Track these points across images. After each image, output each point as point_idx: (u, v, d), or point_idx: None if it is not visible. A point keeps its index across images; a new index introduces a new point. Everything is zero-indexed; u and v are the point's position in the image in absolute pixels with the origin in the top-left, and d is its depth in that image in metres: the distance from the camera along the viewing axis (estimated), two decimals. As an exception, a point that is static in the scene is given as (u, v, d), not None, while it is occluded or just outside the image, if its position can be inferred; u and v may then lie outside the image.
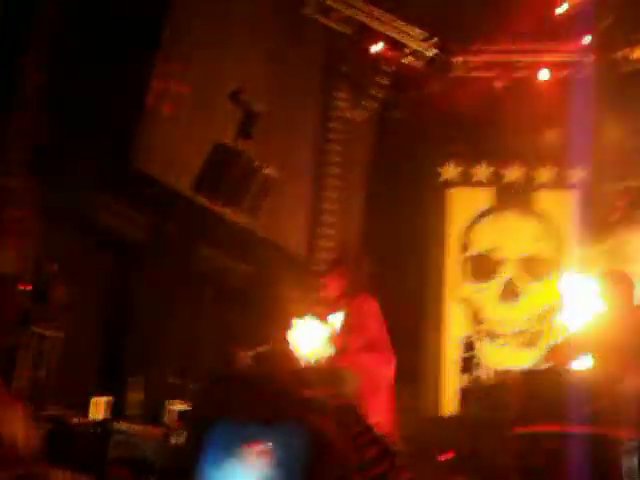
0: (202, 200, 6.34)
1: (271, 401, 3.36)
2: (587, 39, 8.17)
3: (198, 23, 7.12)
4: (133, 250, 6.70)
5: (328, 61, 8.65)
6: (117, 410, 5.40)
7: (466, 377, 7.35)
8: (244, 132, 6.53)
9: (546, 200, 8.99)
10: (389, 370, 4.54)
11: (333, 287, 4.64)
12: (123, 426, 4.97)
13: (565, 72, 8.51)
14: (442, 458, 7.15)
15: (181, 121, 6.86)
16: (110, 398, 5.39)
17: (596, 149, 8.14)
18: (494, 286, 8.89)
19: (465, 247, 9.12)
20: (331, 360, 4.35)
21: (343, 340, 4.28)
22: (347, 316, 4.39)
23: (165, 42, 6.75)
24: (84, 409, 5.25)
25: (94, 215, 6.20)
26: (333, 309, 4.52)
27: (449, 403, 7.68)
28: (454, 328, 8.73)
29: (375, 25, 8.45)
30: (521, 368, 7.89)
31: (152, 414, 5.71)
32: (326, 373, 3.47)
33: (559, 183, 8.97)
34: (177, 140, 6.78)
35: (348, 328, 4.31)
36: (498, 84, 8.74)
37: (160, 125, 6.65)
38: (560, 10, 7.97)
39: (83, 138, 5.92)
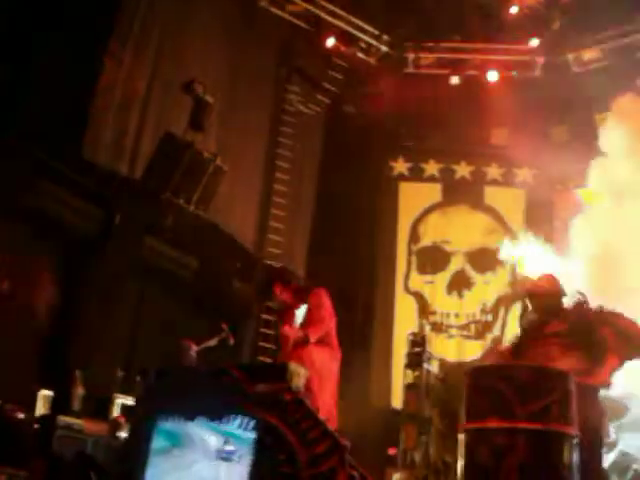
0: (151, 191, 6.25)
1: (220, 396, 3.32)
2: (536, 41, 8.31)
3: (153, 13, 6.99)
4: (81, 242, 6.54)
5: (282, 54, 8.61)
6: (62, 405, 5.28)
7: (413, 372, 7.42)
8: (195, 123, 6.47)
9: (495, 196, 9.16)
10: (336, 365, 4.57)
11: (285, 296, 4.64)
12: (67, 421, 4.87)
13: (515, 72, 8.65)
14: (390, 452, 7.23)
15: (134, 111, 6.73)
16: (53, 393, 5.28)
17: (543, 149, 8.31)
18: (443, 278, 9.02)
19: (415, 239, 9.23)
20: (282, 354, 4.34)
21: (300, 332, 4.28)
22: (307, 308, 4.40)
23: (119, 31, 6.62)
24: (29, 404, 5.12)
25: (40, 205, 6.03)
26: (296, 306, 4.52)
27: (398, 396, 7.74)
28: (404, 320, 8.82)
29: (329, 20, 8.45)
30: (469, 360, 8.03)
31: (98, 409, 5.60)
32: (277, 367, 3.46)
33: (508, 181, 9.14)
34: (129, 130, 6.66)
35: (308, 319, 4.32)
36: (449, 82, 8.85)
37: (111, 115, 6.51)
38: (511, 11, 8.11)
39: (34, 126, 5.75)
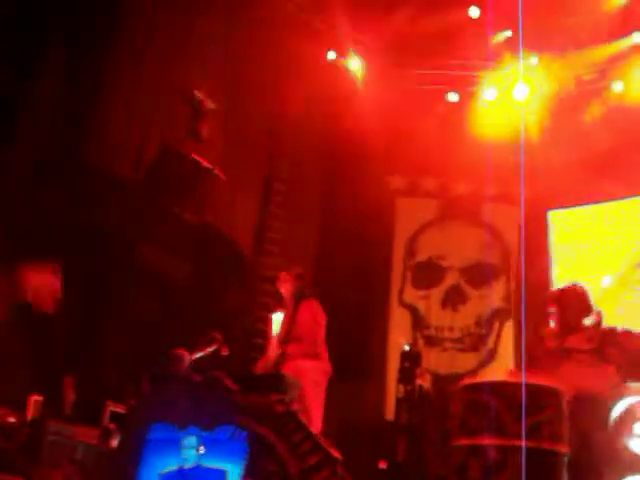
0: (148, 197, 6.27)
1: (211, 406, 3.32)
2: (535, 60, 8.38)
3: (155, 19, 7.03)
4: (71, 245, 6.52)
5: (283, 67, 8.65)
6: (53, 410, 5.25)
7: (406, 386, 7.41)
8: (194, 133, 6.49)
9: (492, 213, 9.20)
10: (326, 379, 4.59)
11: (286, 287, 4.66)
12: (58, 427, 4.85)
13: (512, 89, 8.71)
14: (381, 465, 7.20)
15: (135, 117, 6.76)
16: (43, 397, 5.25)
17: (536, 169, 8.37)
18: (438, 293, 9.05)
19: (411, 254, 9.27)
20: (275, 366, 4.34)
21: (290, 345, 4.29)
22: (297, 319, 4.40)
23: (119, 37, 6.65)
24: (21, 408, 5.09)
25: (29, 205, 6.01)
26: (281, 308, 4.54)
27: (391, 409, 7.75)
28: (398, 334, 8.83)
29: (329, 33, 8.50)
30: (463, 373, 8.05)
31: (90, 415, 5.58)
32: (270, 379, 3.46)
33: (505, 198, 9.17)
34: (131, 136, 6.69)
35: (299, 333, 4.33)
36: (448, 98, 8.91)
37: (112, 120, 6.54)
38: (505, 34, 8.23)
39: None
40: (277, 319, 4.65)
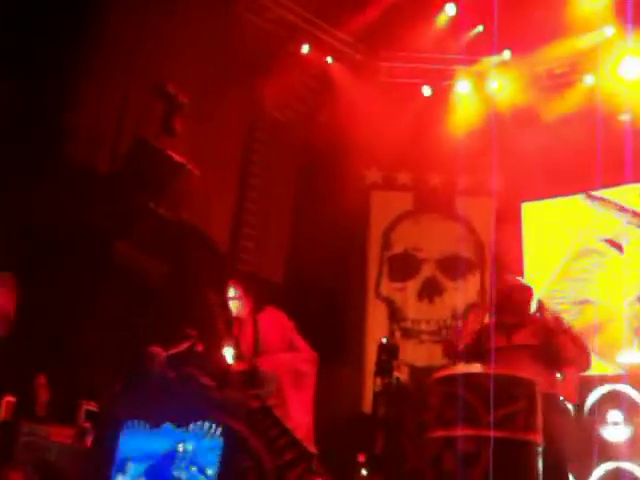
0: (123, 192, 6.22)
1: (186, 403, 3.30)
2: (507, 54, 8.43)
3: (128, 14, 6.97)
4: (45, 241, 6.44)
5: (258, 61, 8.60)
6: (26, 411, 5.19)
7: (383, 379, 7.43)
8: (168, 128, 6.43)
9: (466, 205, 9.25)
10: (312, 367, 4.54)
11: (245, 304, 4.62)
12: (31, 427, 4.79)
13: (485, 83, 8.76)
14: (360, 458, 7.23)
15: (109, 111, 6.71)
16: (16, 398, 5.18)
17: (510, 160, 8.44)
18: (414, 285, 9.08)
19: (387, 247, 9.29)
20: (252, 361, 4.32)
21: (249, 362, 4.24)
22: (259, 331, 4.37)
23: (93, 32, 6.59)
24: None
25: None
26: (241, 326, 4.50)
27: (369, 402, 7.77)
28: (375, 326, 8.86)
29: (304, 27, 8.47)
30: (440, 366, 8.10)
31: (63, 415, 5.52)
32: (245, 375, 3.44)
33: (479, 190, 9.23)
34: (105, 130, 6.64)
35: (265, 346, 4.30)
36: (422, 92, 8.94)
37: (86, 113, 6.49)
38: (477, 30, 8.27)
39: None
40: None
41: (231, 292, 4.65)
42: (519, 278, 4.36)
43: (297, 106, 8.93)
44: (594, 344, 6.23)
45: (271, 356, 4.39)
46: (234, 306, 4.65)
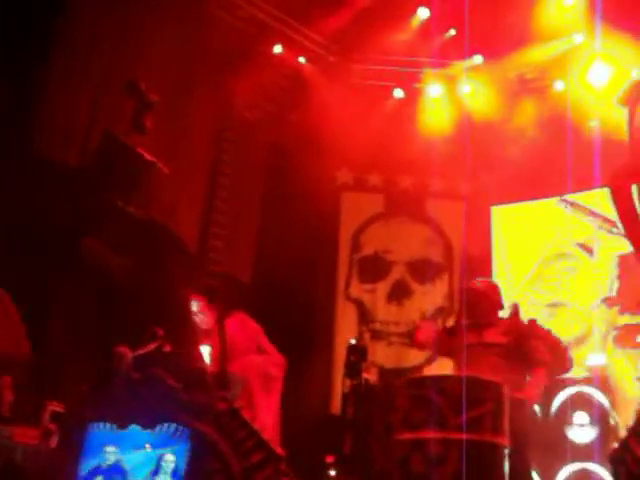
0: (92, 190, 6.14)
1: (153, 404, 3.27)
2: (478, 58, 8.50)
3: (99, 11, 6.90)
4: (9, 239, 6.33)
5: (228, 60, 8.56)
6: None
7: (352, 380, 7.44)
8: (138, 125, 6.36)
9: (436, 208, 9.31)
10: (280, 371, 4.54)
11: (209, 315, 4.59)
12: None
13: (456, 87, 8.83)
14: (328, 459, 7.23)
15: (80, 109, 6.63)
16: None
17: (481, 164, 8.52)
18: (384, 287, 9.11)
19: (357, 248, 9.31)
20: (219, 363, 4.29)
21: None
22: (227, 337, 4.34)
23: (65, 29, 6.52)
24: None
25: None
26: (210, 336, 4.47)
27: (337, 403, 7.78)
28: (344, 328, 8.87)
29: (276, 27, 8.45)
30: (408, 368, 8.14)
31: (28, 415, 5.43)
32: (213, 376, 3.42)
33: (449, 194, 9.29)
34: (77, 129, 6.57)
35: (233, 348, 4.27)
36: (394, 94, 8.97)
37: (60, 111, 6.42)
38: (450, 33, 8.33)
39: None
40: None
41: (194, 306, 4.62)
42: (489, 280, 4.39)
43: (268, 106, 8.91)
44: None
45: (242, 358, 4.37)
46: (198, 319, 4.62)
